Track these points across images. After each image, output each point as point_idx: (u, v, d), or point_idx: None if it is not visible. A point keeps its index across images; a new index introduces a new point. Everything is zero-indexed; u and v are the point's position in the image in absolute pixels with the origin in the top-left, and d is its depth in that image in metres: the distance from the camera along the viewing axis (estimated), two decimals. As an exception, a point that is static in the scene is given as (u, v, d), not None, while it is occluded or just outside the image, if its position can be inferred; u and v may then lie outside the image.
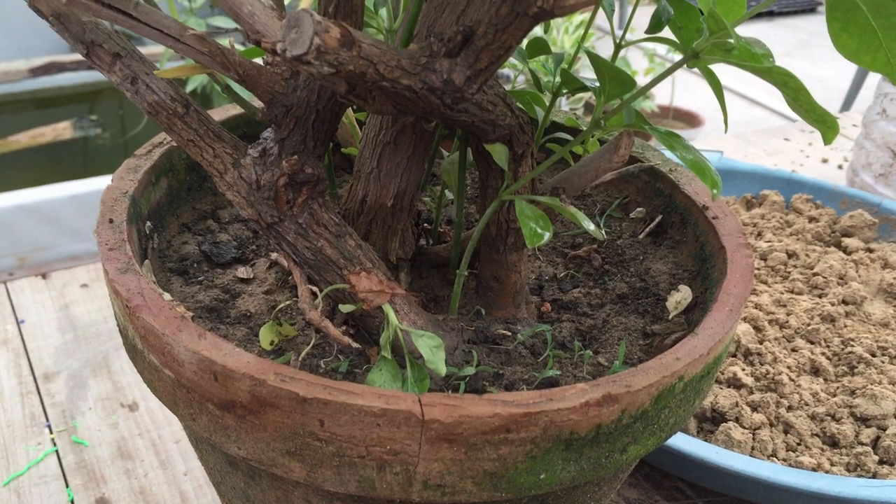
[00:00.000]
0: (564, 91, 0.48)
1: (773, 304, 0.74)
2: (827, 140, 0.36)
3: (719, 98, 0.37)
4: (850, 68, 2.76)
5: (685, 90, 2.61)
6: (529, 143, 0.43)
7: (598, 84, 0.39)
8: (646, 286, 0.51)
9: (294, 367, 0.41)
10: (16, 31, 2.60)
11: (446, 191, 0.51)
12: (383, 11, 0.50)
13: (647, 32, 0.41)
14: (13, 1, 2.53)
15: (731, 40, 0.34)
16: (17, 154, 2.34)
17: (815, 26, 3.90)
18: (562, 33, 2.00)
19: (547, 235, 0.38)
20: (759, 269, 0.80)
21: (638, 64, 2.65)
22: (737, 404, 0.63)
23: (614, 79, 0.37)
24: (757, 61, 0.34)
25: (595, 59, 0.36)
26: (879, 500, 0.54)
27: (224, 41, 0.40)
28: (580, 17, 2.09)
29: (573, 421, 0.35)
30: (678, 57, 0.38)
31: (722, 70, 0.37)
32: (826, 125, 0.35)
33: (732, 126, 2.74)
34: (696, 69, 0.37)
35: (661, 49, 2.73)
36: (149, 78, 0.39)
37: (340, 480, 0.36)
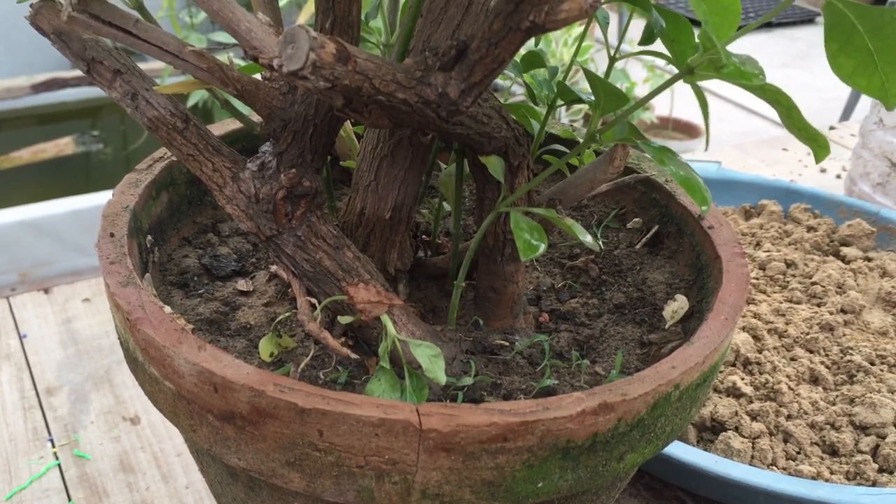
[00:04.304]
0: (560, 103, 0.48)
1: (771, 314, 0.74)
2: (818, 159, 0.36)
3: (704, 115, 0.38)
4: (849, 78, 2.76)
5: (685, 101, 2.62)
6: (525, 155, 0.44)
7: (593, 98, 0.40)
8: (643, 296, 0.52)
9: (293, 378, 0.41)
10: (18, 47, 2.62)
11: (444, 203, 0.51)
12: (380, 26, 0.51)
13: (639, 45, 0.42)
14: (15, 18, 2.55)
15: (723, 57, 0.34)
16: (20, 170, 2.35)
17: (813, 37, 3.91)
18: (561, 46, 2.01)
19: (542, 247, 0.38)
20: (757, 278, 0.80)
21: (637, 74, 2.66)
22: (736, 413, 0.63)
23: (608, 93, 0.37)
24: (747, 79, 0.34)
25: (589, 75, 0.37)
26: (879, 507, 0.54)
27: (223, 57, 0.41)
28: (580, 29, 2.10)
29: (570, 429, 0.36)
30: (675, 68, 0.38)
31: (722, 81, 0.37)
32: (817, 144, 0.36)
33: (731, 136, 2.74)
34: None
35: (660, 60, 2.73)
36: (149, 94, 0.40)
37: (339, 490, 0.36)
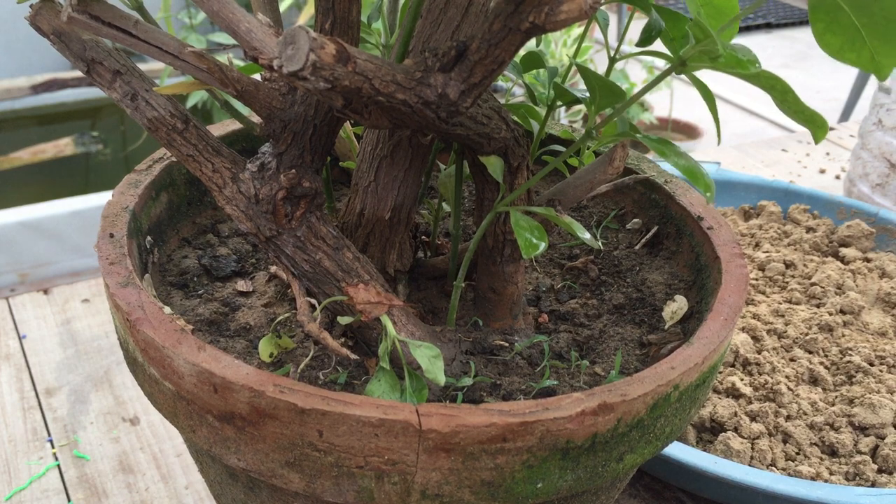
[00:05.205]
0: (559, 104, 0.48)
1: (771, 315, 0.74)
2: (817, 139, 0.36)
3: (710, 106, 0.38)
4: (849, 79, 2.76)
5: (684, 102, 2.62)
6: (525, 155, 0.44)
7: (588, 95, 0.40)
8: (642, 296, 0.52)
9: (293, 378, 0.41)
10: (17, 48, 2.62)
11: (443, 203, 0.51)
12: (380, 27, 0.51)
13: (637, 45, 0.42)
14: (14, 19, 2.55)
15: (718, 47, 0.34)
16: (19, 170, 2.35)
17: (812, 38, 3.91)
18: (560, 46, 2.01)
19: (542, 246, 0.38)
20: (757, 279, 0.80)
21: (637, 76, 2.66)
22: (735, 414, 0.63)
23: (604, 89, 0.37)
24: (743, 67, 0.34)
25: (585, 72, 0.37)
26: (878, 508, 0.54)
27: (223, 57, 0.41)
28: (578, 30, 2.10)
29: (569, 430, 0.36)
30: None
31: (720, 81, 0.37)
32: (815, 125, 0.36)
33: (730, 137, 2.74)
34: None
35: (660, 62, 2.73)
36: (148, 94, 0.40)
37: (339, 491, 0.36)
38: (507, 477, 0.36)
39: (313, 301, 0.43)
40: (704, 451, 0.61)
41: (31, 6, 0.39)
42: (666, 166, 0.73)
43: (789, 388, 0.66)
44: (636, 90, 2.22)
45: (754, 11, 3.97)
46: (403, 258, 0.49)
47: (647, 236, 0.56)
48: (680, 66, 0.36)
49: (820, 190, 0.95)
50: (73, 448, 0.67)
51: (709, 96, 0.37)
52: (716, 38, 0.33)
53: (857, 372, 0.67)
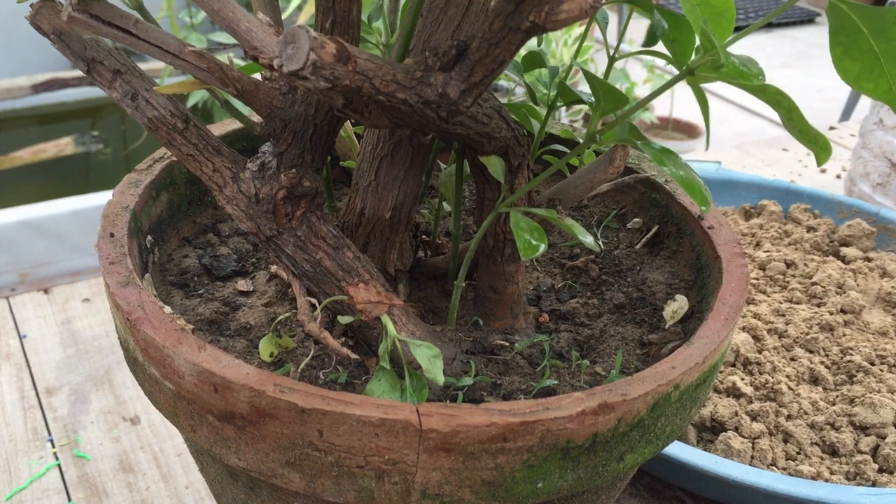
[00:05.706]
0: (560, 104, 0.48)
1: (771, 314, 0.74)
2: (820, 161, 0.36)
3: (705, 116, 0.38)
4: (849, 78, 2.76)
5: (684, 102, 2.62)
6: (525, 155, 0.44)
7: (593, 99, 0.40)
8: (643, 296, 0.52)
9: (293, 378, 0.41)
10: (17, 47, 2.62)
11: (444, 203, 0.51)
12: (380, 26, 0.51)
13: (643, 46, 0.42)
14: (15, 18, 2.55)
15: (722, 57, 0.34)
16: (20, 170, 2.35)
17: (813, 37, 3.92)
18: (561, 46, 2.01)
19: (542, 247, 0.38)
20: (757, 278, 0.80)
21: (637, 74, 2.66)
22: (736, 413, 0.63)
23: (608, 95, 0.37)
24: (747, 79, 0.34)
25: (589, 76, 0.37)
26: (879, 508, 0.54)
27: (223, 57, 0.41)
28: (579, 29, 2.10)
29: (570, 430, 0.36)
30: (675, 68, 0.38)
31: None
32: (819, 146, 0.35)
33: (731, 136, 2.74)
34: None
35: (660, 61, 2.72)
36: (149, 94, 0.40)
37: (339, 490, 0.36)
38: (507, 477, 0.36)
39: (314, 301, 0.43)
40: (705, 450, 0.61)
41: (31, 6, 0.39)
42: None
43: (790, 388, 0.66)
44: (637, 90, 2.22)
45: (755, 11, 3.96)
46: (404, 258, 0.49)
47: (648, 236, 0.56)
48: (689, 74, 0.36)
49: (821, 189, 0.95)
50: (74, 447, 0.67)
51: (704, 104, 0.37)
52: (720, 49, 0.33)
53: (857, 371, 0.67)
